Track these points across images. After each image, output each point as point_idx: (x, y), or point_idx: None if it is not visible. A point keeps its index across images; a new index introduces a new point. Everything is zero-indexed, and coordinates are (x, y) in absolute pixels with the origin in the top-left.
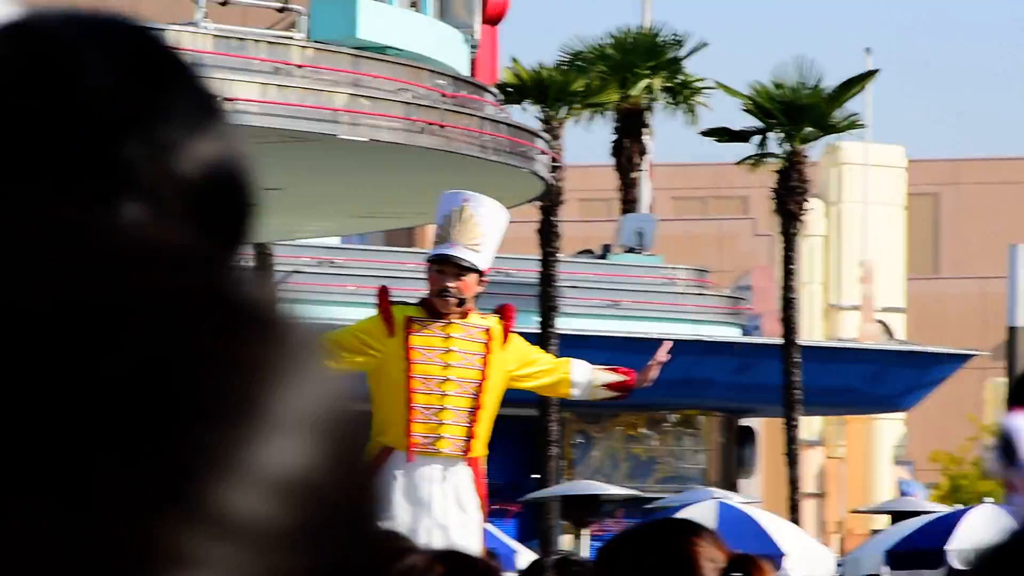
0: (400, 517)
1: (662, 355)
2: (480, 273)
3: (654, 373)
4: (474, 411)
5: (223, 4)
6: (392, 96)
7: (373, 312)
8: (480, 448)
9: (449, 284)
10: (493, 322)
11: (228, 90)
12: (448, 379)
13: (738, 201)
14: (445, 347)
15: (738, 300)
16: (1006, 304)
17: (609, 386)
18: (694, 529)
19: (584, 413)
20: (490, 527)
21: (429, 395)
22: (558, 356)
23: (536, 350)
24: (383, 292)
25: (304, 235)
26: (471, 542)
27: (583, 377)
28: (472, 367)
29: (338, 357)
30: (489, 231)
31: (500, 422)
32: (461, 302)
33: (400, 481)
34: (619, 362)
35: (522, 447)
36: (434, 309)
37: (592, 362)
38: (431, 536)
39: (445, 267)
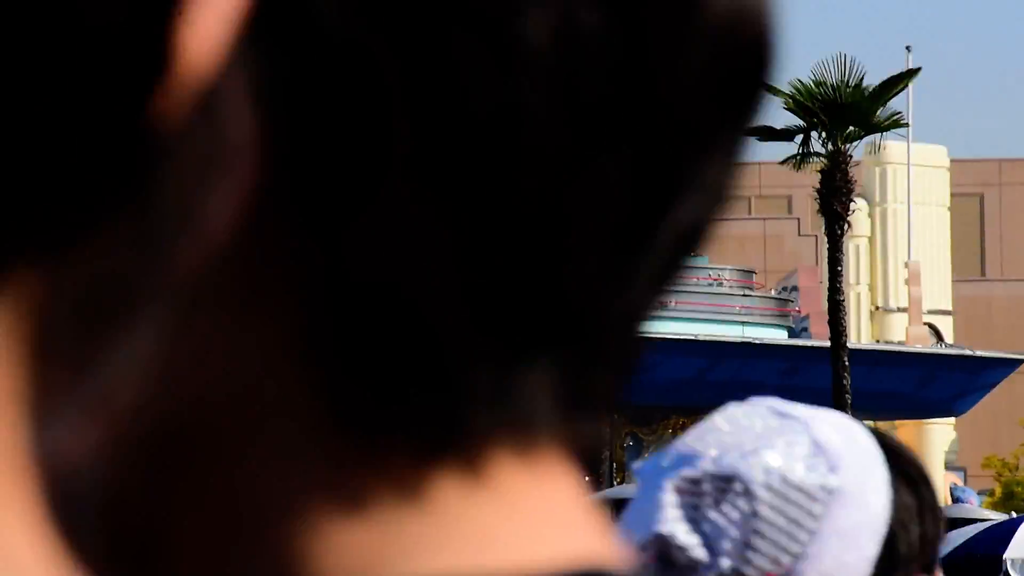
0: None
1: None
2: None
3: None
4: None
5: None
6: None
7: None
8: None
9: None
10: None
11: None
12: None
13: (782, 200)
14: None
15: (785, 302)
16: None
17: None
18: None
19: (634, 414)
20: None
21: None
22: None
23: None
24: None
25: None
26: None
27: None
28: None
29: None
30: None
31: None
32: None
33: None
34: (664, 365)
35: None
36: None
37: (641, 363)
38: None
39: None
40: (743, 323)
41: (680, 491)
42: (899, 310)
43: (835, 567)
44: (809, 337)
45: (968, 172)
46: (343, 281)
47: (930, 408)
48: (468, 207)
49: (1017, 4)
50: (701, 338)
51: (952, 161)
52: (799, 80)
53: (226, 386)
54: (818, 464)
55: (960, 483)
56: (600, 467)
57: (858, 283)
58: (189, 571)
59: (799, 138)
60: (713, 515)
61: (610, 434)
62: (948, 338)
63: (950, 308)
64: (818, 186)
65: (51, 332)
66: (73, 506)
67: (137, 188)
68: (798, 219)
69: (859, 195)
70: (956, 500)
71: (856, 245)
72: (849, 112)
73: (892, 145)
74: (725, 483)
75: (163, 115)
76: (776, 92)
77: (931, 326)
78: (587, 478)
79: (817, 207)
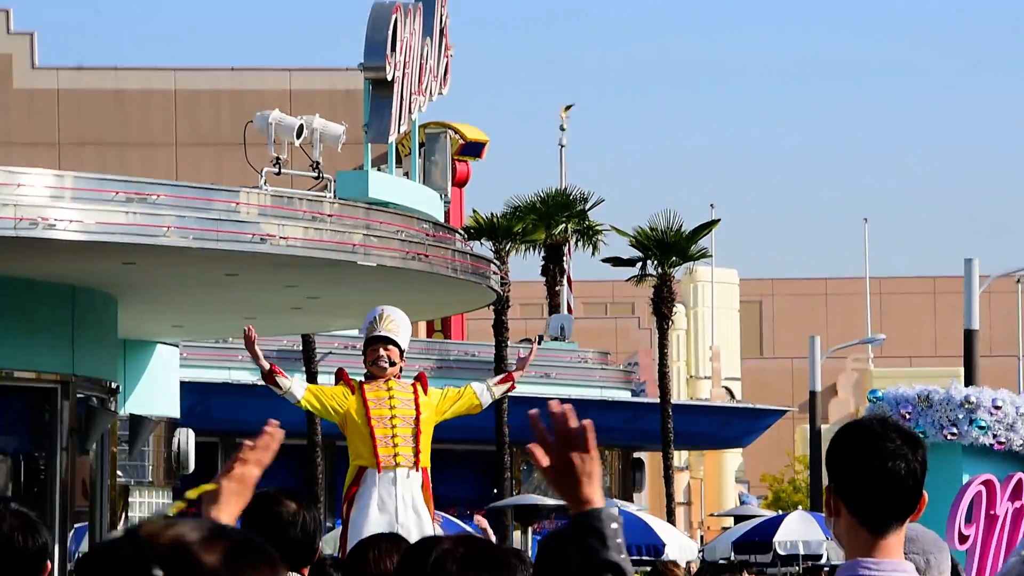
0: (376, 525)
1: (522, 356)
2: (401, 351)
3: (522, 368)
4: (416, 435)
5: (278, 175)
6: (392, 235)
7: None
8: (425, 460)
9: (381, 352)
10: (415, 382)
11: (281, 232)
12: (395, 416)
13: (628, 306)
14: (389, 395)
15: (629, 372)
16: (807, 375)
17: (501, 383)
18: None
19: (527, 448)
20: (465, 526)
21: (384, 428)
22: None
23: (445, 391)
24: (341, 371)
25: (335, 328)
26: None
27: (482, 391)
28: (409, 407)
29: (324, 409)
30: (401, 326)
31: (470, 455)
32: (392, 363)
33: (374, 496)
34: (548, 415)
35: (485, 471)
36: (375, 376)
37: (528, 409)
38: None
39: (376, 344)
40: (601, 387)
41: None
42: (706, 377)
43: None
44: (646, 396)
45: (752, 287)
46: None
47: (726, 442)
48: None
49: (786, 173)
50: (573, 397)
51: (741, 280)
52: (639, 227)
53: None
54: None
55: (746, 491)
56: (504, 483)
57: (678, 359)
58: None
59: (639, 265)
60: None
61: (510, 460)
62: (738, 396)
63: (739, 376)
64: (652, 296)
65: None
66: None
67: None
68: (639, 318)
69: (680, 302)
70: (743, 503)
71: (677, 335)
72: (673, 248)
73: (701, 269)
74: None
75: None
76: (624, 234)
77: (727, 388)
78: (496, 490)
79: (651, 310)
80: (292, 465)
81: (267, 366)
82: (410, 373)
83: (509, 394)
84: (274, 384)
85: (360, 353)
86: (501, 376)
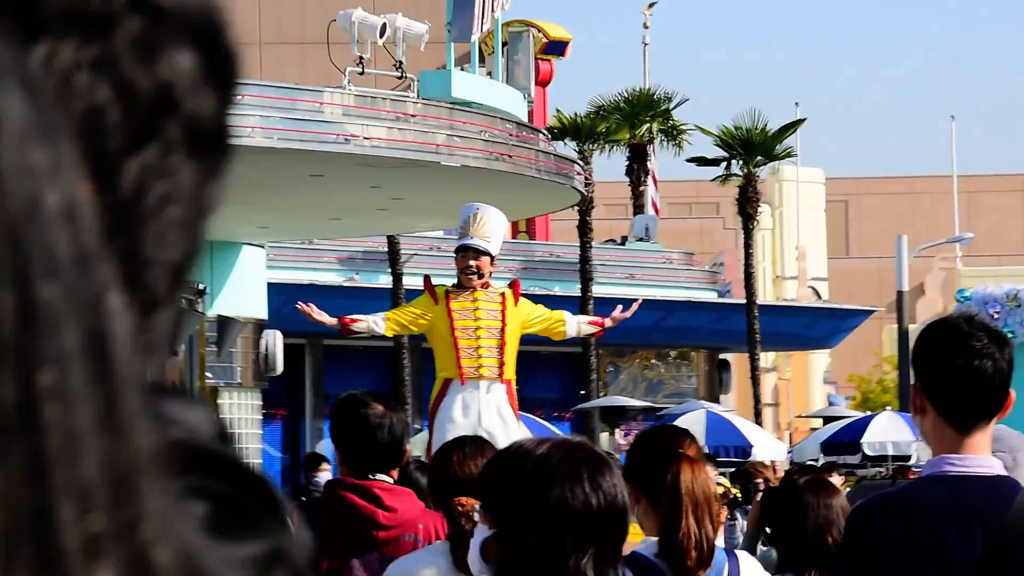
0: (461, 429)
1: (618, 313)
2: (492, 257)
3: (617, 320)
4: (500, 347)
5: (361, 74)
6: (476, 135)
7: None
8: (510, 372)
9: (471, 263)
10: (506, 290)
11: (365, 132)
12: (479, 327)
13: (713, 205)
14: (474, 307)
15: (715, 273)
16: (894, 274)
17: (591, 324)
18: (680, 431)
19: (613, 350)
20: (552, 427)
21: (468, 339)
22: (594, 315)
23: (539, 307)
24: (427, 278)
25: (420, 230)
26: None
27: (571, 323)
28: (495, 318)
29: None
30: (495, 229)
31: (557, 357)
32: (480, 275)
33: (458, 401)
34: (633, 316)
35: (572, 373)
36: (462, 284)
37: (613, 311)
38: None
39: (467, 253)
40: (686, 288)
41: None
42: (791, 278)
43: None
44: (731, 297)
45: (837, 186)
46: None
47: (813, 343)
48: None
49: (871, 72)
50: (658, 298)
51: (827, 179)
52: (724, 126)
53: None
54: None
55: (834, 392)
56: (591, 384)
57: (764, 260)
58: None
59: (723, 164)
60: None
61: (597, 362)
62: (825, 296)
63: (826, 276)
64: (737, 196)
65: None
66: None
67: None
68: (723, 218)
69: (764, 202)
70: (831, 404)
71: (762, 235)
72: (757, 147)
73: (786, 168)
74: None
75: None
76: (709, 133)
77: (813, 288)
78: (583, 391)
79: (736, 210)
80: (379, 368)
81: (335, 322)
82: (498, 275)
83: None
84: (352, 333)
85: (446, 254)
86: (593, 318)
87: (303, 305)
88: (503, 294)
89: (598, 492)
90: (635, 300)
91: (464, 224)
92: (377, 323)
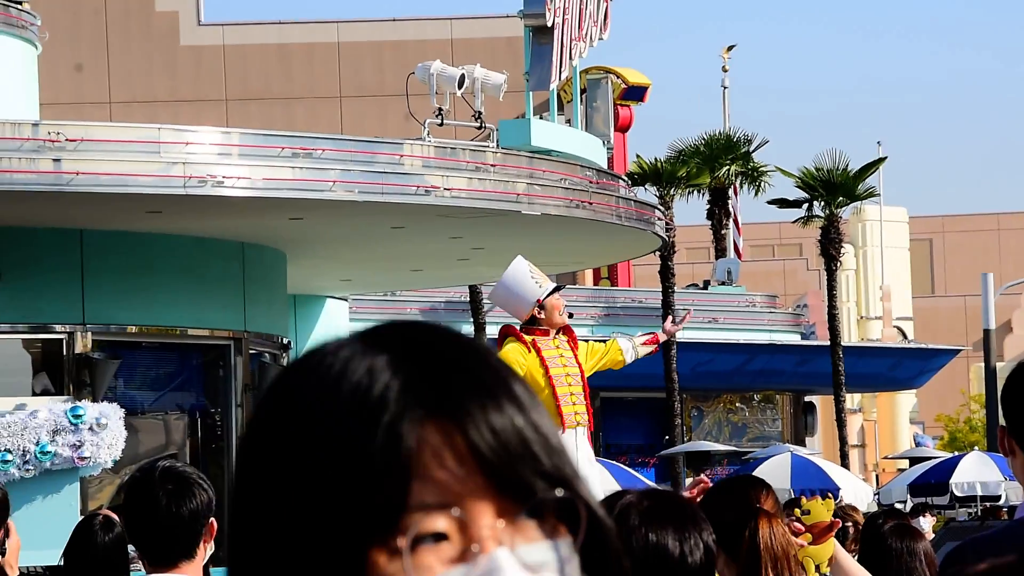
0: None
1: (669, 326)
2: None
3: (670, 333)
4: (584, 393)
5: (440, 126)
6: (556, 183)
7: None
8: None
9: (565, 302)
10: (563, 336)
11: (445, 183)
12: (567, 374)
13: (796, 247)
14: (558, 353)
15: (798, 315)
16: (980, 312)
17: (646, 344)
18: (756, 483)
19: (696, 394)
20: (636, 474)
21: (562, 387)
22: (677, 360)
23: (590, 346)
24: (512, 328)
25: None
26: (599, 489)
27: (627, 348)
28: (573, 364)
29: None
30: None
31: (641, 402)
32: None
33: None
34: (716, 360)
35: (656, 419)
36: (537, 329)
37: (701, 361)
38: None
39: (560, 295)
40: (770, 331)
41: None
42: (876, 318)
43: None
44: (815, 338)
45: (922, 224)
46: None
47: (899, 383)
48: None
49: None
50: (741, 342)
51: (910, 217)
52: (804, 167)
53: None
54: None
55: (921, 432)
56: (675, 429)
57: (848, 300)
58: None
59: (805, 206)
60: None
61: (681, 407)
62: (910, 336)
63: (911, 315)
64: (819, 237)
65: None
66: None
67: None
68: (806, 259)
69: (847, 242)
70: (918, 444)
71: (846, 275)
72: (839, 188)
73: (869, 208)
74: None
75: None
76: (789, 175)
77: (899, 328)
78: (668, 437)
79: (819, 251)
80: None
81: None
82: (581, 322)
83: (674, 341)
84: None
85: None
86: (647, 336)
87: None
88: (567, 340)
89: (697, 546)
90: (686, 311)
91: (530, 270)
92: None
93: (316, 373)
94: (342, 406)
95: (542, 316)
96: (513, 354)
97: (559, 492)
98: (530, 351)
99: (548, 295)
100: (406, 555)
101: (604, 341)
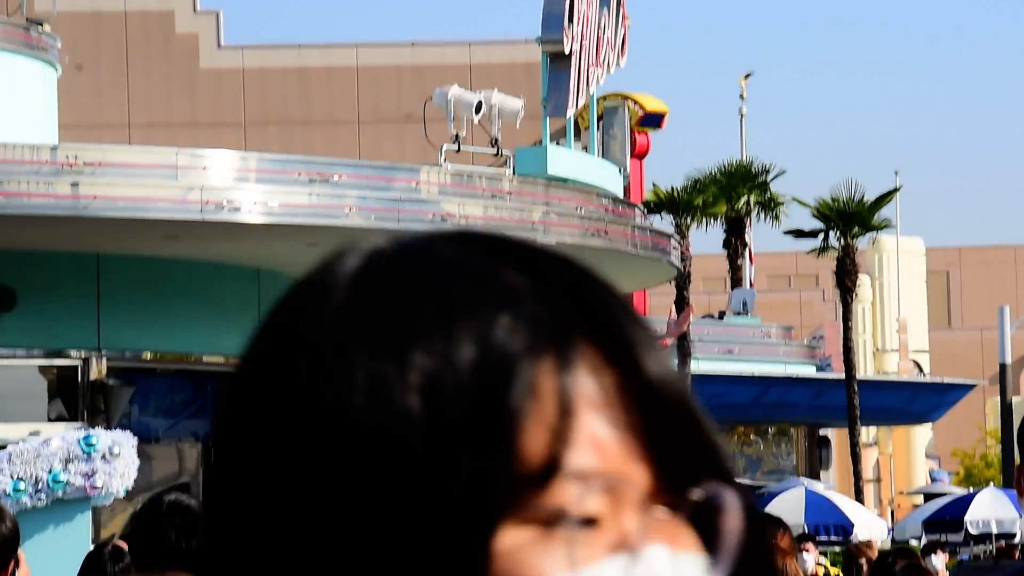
0: None
1: (673, 327)
2: None
3: (674, 335)
4: None
5: (457, 151)
6: (572, 212)
7: None
8: None
9: None
10: None
11: (461, 210)
12: None
13: (811, 278)
14: None
15: (814, 348)
16: (997, 345)
17: None
18: (771, 521)
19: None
20: None
21: None
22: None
23: None
24: None
25: None
26: None
27: None
28: None
29: None
30: None
31: None
32: None
33: None
34: (731, 392)
35: None
36: None
37: (716, 392)
38: None
39: None
40: (785, 362)
41: None
42: (892, 351)
43: None
44: (831, 371)
45: (938, 255)
46: None
47: (915, 417)
48: None
49: (972, 138)
50: (756, 373)
51: (927, 248)
52: (820, 197)
53: None
54: None
55: (937, 467)
56: None
57: (864, 332)
58: None
59: (821, 236)
60: None
61: None
62: (926, 369)
63: (927, 348)
64: (835, 268)
65: None
66: None
67: None
68: (823, 290)
69: (863, 273)
70: (934, 480)
71: (862, 307)
72: (855, 218)
73: (885, 238)
74: None
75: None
76: (805, 205)
77: (915, 362)
78: None
79: (835, 282)
80: None
81: None
82: None
83: (689, 373)
84: None
85: None
86: None
87: None
88: None
89: None
90: (687, 307)
91: None
92: None
93: (425, 273)
94: (471, 335)
95: None
96: None
97: (726, 489)
98: None
99: None
100: (570, 529)
101: None
